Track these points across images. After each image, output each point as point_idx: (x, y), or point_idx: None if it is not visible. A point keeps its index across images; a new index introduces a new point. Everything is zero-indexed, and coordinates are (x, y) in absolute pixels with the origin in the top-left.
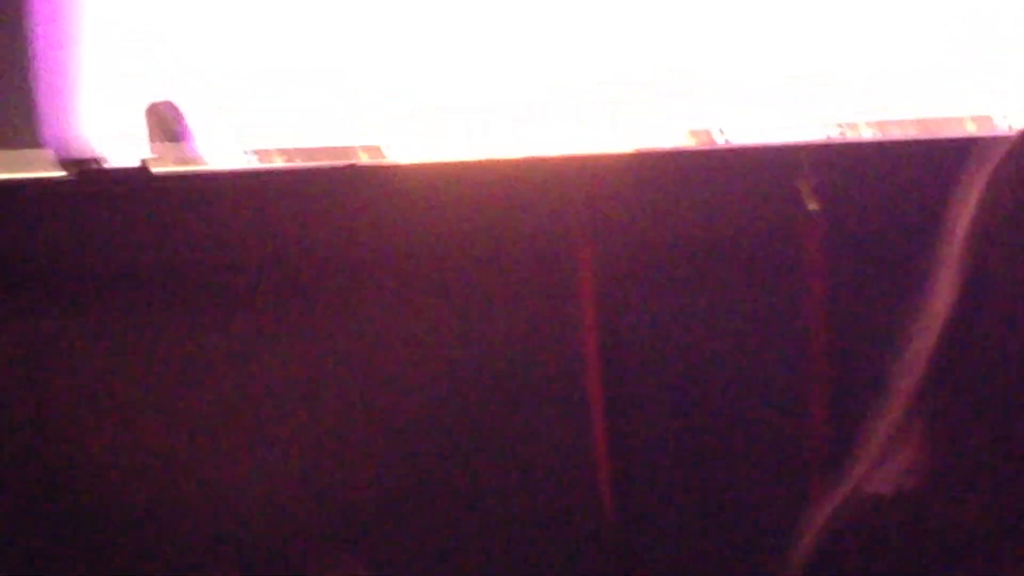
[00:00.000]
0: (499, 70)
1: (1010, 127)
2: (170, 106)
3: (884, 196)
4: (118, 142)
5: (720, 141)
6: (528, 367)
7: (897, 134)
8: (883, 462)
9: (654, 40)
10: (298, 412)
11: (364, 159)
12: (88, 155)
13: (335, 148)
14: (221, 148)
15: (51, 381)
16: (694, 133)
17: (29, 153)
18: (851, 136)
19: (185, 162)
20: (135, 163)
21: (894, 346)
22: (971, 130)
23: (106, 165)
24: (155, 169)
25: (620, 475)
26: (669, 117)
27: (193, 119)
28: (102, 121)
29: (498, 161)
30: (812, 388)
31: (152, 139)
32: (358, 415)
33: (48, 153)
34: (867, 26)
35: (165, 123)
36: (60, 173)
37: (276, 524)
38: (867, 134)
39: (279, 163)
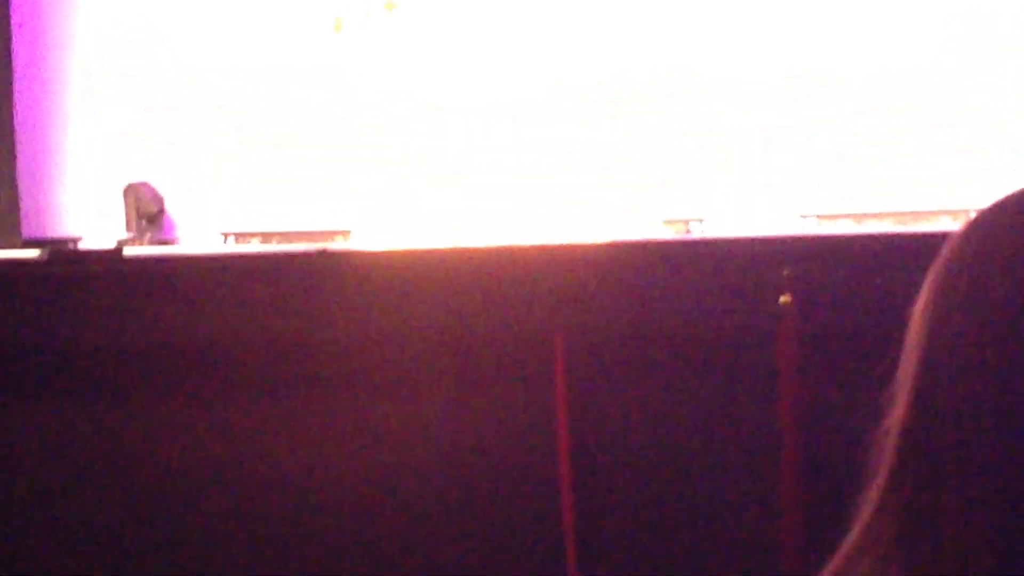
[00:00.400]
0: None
1: None
2: (148, 187)
3: (859, 289)
4: (98, 222)
5: (696, 232)
6: (501, 454)
7: (873, 227)
8: (856, 557)
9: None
10: (272, 488)
11: (338, 243)
12: (64, 235)
13: (311, 232)
14: (198, 230)
15: (20, 459)
16: (669, 222)
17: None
18: (827, 229)
19: (161, 243)
20: (110, 245)
21: (866, 442)
22: (948, 224)
23: (80, 246)
24: (128, 251)
25: (588, 561)
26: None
27: (172, 200)
28: (82, 200)
29: (472, 249)
30: (784, 480)
31: (129, 219)
32: (326, 494)
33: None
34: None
35: (143, 203)
36: (33, 253)
37: None
38: (843, 227)
39: (255, 245)
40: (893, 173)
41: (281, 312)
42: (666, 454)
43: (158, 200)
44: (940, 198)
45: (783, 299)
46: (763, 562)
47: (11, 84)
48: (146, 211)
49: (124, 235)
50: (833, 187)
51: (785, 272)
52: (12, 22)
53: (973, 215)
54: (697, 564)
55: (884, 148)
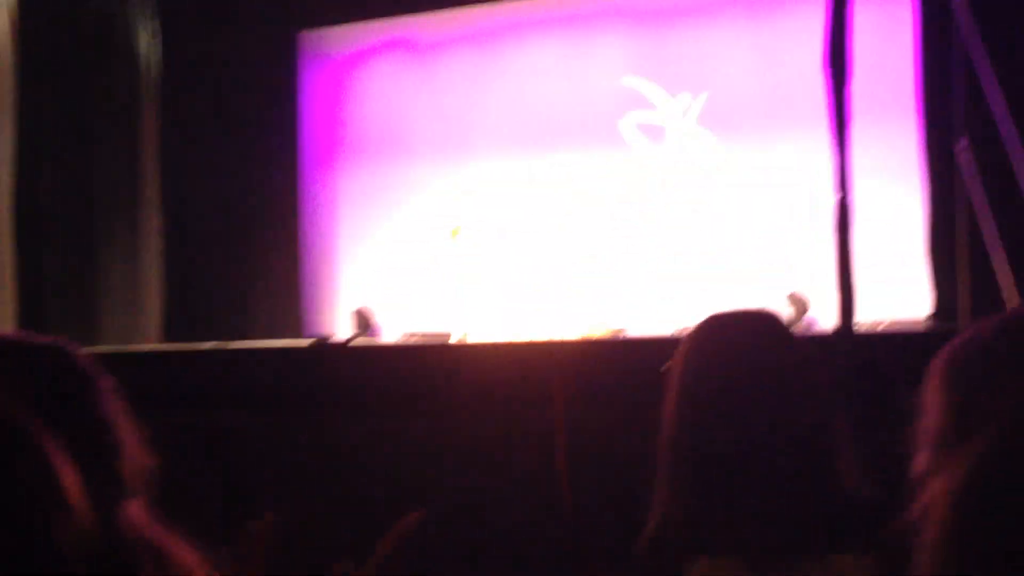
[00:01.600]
0: None
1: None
2: (366, 309)
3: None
4: (340, 328)
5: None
6: (518, 461)
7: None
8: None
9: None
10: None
11: (452, 339)
12: (322, 333)
13: (437, 333)
14: (388, 332)
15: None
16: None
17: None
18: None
19: (371, 339)
20: (344, 339)
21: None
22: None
23: (331, 340)
24: (354, 343)
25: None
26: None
27: (378, 317)
28: (331, 315)
29: (504, 344)
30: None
31: (355, 326)
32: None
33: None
34: None
35: (363, 318)
36: (307, 343)
37: None
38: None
39: (417, 339)
40: None
41: (423, 367)
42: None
43: (370, 316)
44: None
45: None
46: None
47: (301, 250)
48: (363, 323)
49: (352, 334)
50: None
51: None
52: (302, 199)
53: (697, 325)
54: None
55: None
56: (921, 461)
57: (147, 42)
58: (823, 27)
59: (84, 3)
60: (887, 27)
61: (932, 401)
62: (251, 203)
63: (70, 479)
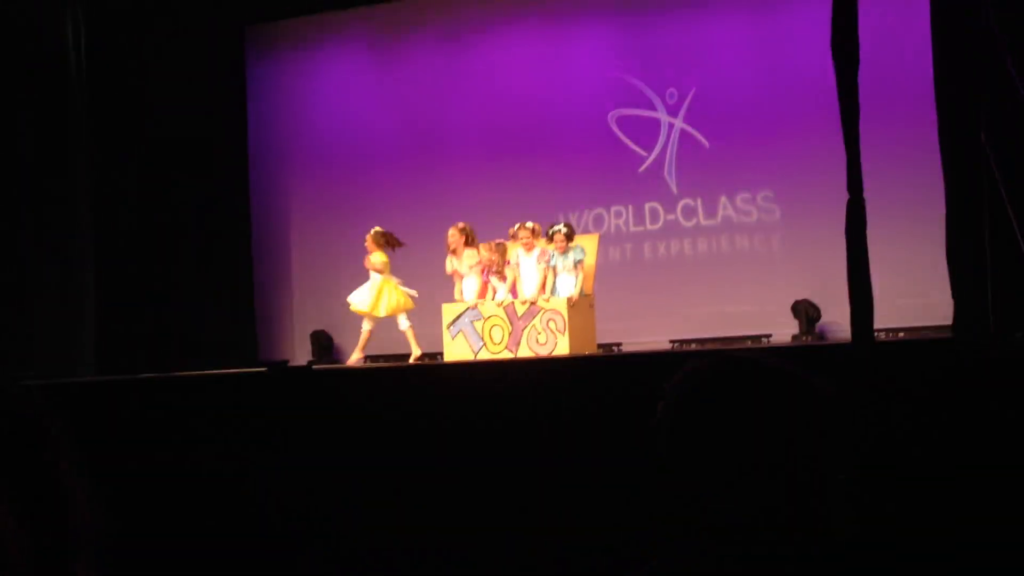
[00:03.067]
0: None
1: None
2: (324, 333)
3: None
4: (299, 352)
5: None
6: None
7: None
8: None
9: None
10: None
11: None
12: (279, 358)
13: (402, 354)
14: (352, 357)
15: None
16: (602, 345)
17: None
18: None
19: (332, 363)
20: (303, 363)
21: None
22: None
23: (288, 364)
24: (316, 368)
25: None
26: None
27: (337, 340)
28: (287, 340)
29: (482, 362)
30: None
31: (313, 351)
32: None
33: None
34: None
35: (321, 341)
36: (262, 369)
37: None
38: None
39: (382, 363)
40: None
41: (393, 390)
42: None
43: (328, 339)
44: None
45: None
46: None
47: (252, 290)
48: (321, 344)
49: (310, 359)
50: None
51: None
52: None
53: (687, 369)
54: None
55: None
56: None
57: (72, 33)
58: (829, 8)
59: None
60: (898, 11)
61: None
62: (195, 214)
63: (14, 546)
